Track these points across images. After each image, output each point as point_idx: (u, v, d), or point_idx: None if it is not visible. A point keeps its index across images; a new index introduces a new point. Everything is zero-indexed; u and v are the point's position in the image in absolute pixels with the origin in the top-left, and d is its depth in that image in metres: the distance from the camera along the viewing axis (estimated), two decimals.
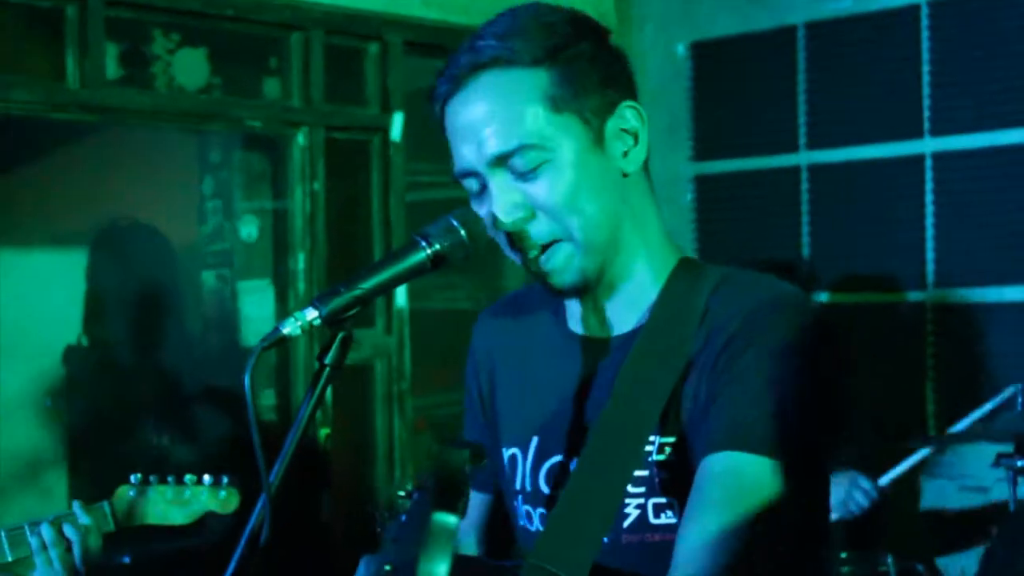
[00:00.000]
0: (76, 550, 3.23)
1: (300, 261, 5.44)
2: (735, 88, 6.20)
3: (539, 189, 2.14)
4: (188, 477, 3.30)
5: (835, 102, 5.88)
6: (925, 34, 5.52)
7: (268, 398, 5.75)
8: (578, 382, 2.26)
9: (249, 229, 5.99)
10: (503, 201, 2.15)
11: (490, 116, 2.14)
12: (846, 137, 5.83)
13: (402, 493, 1.62)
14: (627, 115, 2.19)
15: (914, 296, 5.58)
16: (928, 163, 5.53)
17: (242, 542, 1.94)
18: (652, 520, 2.14)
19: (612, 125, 2.17)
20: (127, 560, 5.63)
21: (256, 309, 5.98)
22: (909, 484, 4.99)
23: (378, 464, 5.74)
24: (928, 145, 5.53)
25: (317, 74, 5.52)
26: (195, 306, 6.41)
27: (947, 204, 5.50)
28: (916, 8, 5.54)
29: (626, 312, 2.24)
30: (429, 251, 2.00)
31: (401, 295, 5.70)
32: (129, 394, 6.39)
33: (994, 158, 5.26)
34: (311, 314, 1.91)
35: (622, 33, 6.44)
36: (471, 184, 2.20)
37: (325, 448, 5.56)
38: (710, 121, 6.30)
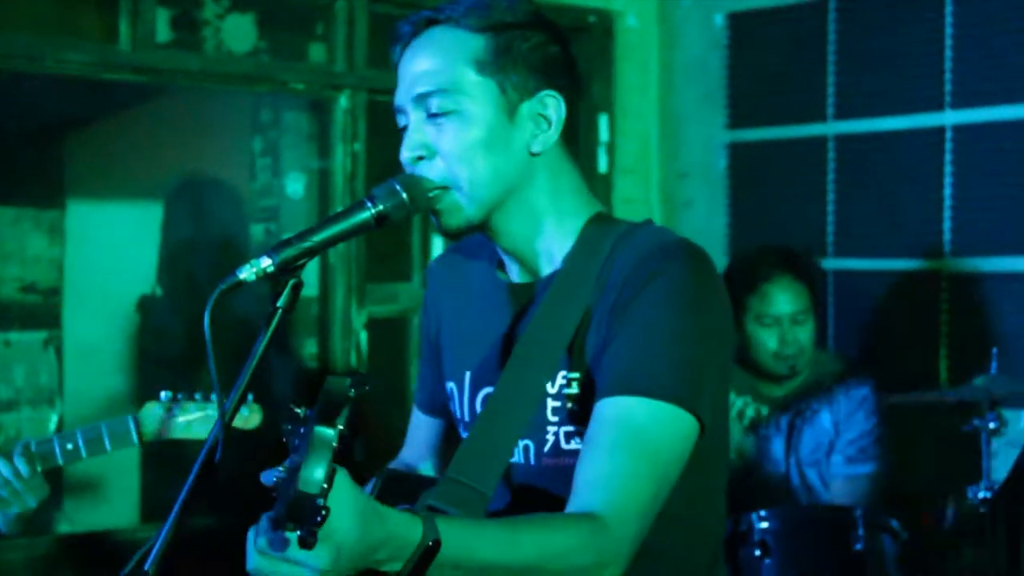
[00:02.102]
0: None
1: None
2: (770, 58, 6.13)
3: (443, 134, 2.30)
4: (214, 395, 3.27)
5: (862, 74, 5.78)
6: (949, 8, 5.44)
7: (310, 347, 5.86)
8: (506, 323, 2.43)
9: (295, 186, 6.08)
10: (412, 138, 2.32)
11: (424, 62, 2.32)
12: (871, 108, 5.74)
13: (300, 411, 1.81)
14: (547, 103, 2.35)
15: (930, 264, 5.54)
16: (948, 135, 5.47)
17: (198, 461, 2.02)
18: (564, 446, 2.32)
19: (528, 107, 2.34)
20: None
21: None
22: None
23: (409, 411, 5.66)
24: (949, 118, 5.47)
25: (360, 40, 5.54)
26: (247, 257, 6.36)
27: (965, 176, 5.45)
28: None
29: (545, 262, 2.40)
30: (373, 211, 2.16)
31: (438, 250, 5.74)
32: (199, 343, 6.57)
33: (1013, 131, 5.22)
34: (265, 262, 2.06)
35: (662, 2, 6.40)
36: (400, 120, 2.37)
37: (360, 396, 5.46)
38: (745, 90, 6.24)
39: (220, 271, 5.99)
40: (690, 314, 2.24)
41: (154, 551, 1.96)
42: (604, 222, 2.42)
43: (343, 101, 5.57)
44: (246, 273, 2.05)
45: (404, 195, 2.19)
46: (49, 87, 5.55)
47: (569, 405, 2.32)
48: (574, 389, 2.31)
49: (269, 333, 2.09)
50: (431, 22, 2.36)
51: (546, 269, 2.42)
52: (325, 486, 1.75)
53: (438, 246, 5.75)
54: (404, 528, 1.92)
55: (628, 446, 2.16)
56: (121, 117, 6.54)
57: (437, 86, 2.30)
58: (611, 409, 2.20)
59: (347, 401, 1.81)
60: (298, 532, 1.76)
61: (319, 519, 1.75)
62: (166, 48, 5.20)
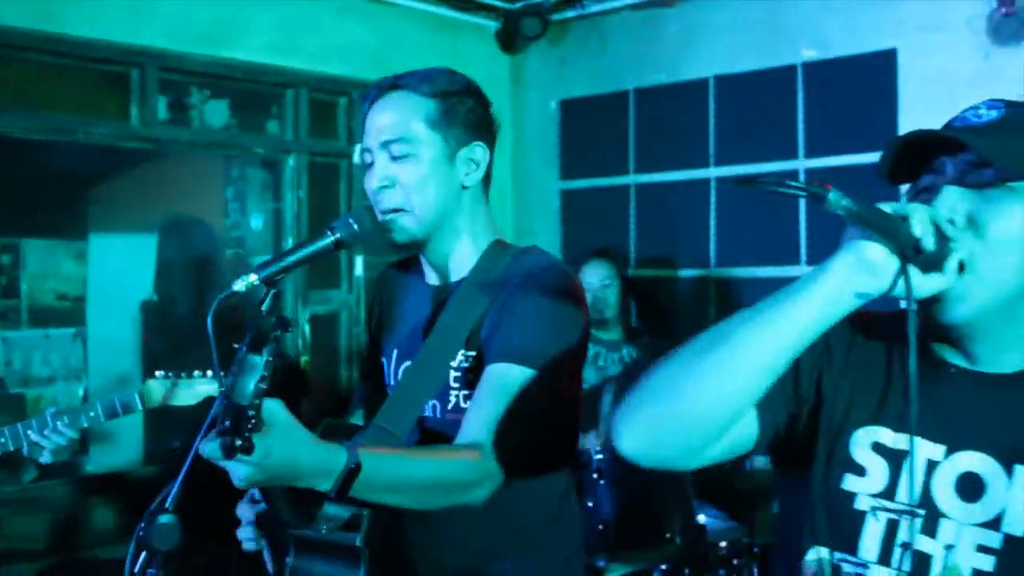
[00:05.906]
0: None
1: (290, 244, 5.46)
2: (590, 131, 6.29)
3: (403, 171, 2.29)
4: (196, 373, 3.36)
5: (654, 142, 6.03)
6: (712, 96, 5.76)
7: None
8: (425, 314, 2.42)
9: (256, 222, 6.13)
10: (379, 172, 2.30)
11: (388, 116, 2.31)
12: (661, 165, 5.99)
13: (236, 346, 1.74)
14: (476, 151, 2.36)
15: (701, 272, 5.80)
16: (712, 184, 5.78)
17: (203, 427, 1.91)
18: (462, 405, 2.30)
19: (464, 153, 2.35)
20: (176, 445, 5.75)
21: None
22: None
23: (341, 380, 5.91)
24: (712, 172, 5.79)
25: (304, 118, 5.68)
26: (221, 275, 6.42)
27: (725, 212, 5.74)
28: (706, 81, 5.82)
29: (456, 271, 2.39)
30: (332, 238, 2.06)
31: (359, 265, 5.88)
32: (186, 336, 6.53)
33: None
34: (252, 277, 1.96)
35: (515, 93, 6.60)
36: (366, 157, 2.32)
37: (304, 369, 5.71)
38: (572, 152, 6.40)
39: (201, 282, 6.11)
40: (552, 308, 2.24)
41: (172, 494, 1.91)
42: (502, 245, 2.41)
43: (291, 161, 5.68)
44: (239, 285, 1.94)
45: (356, 226, 2.08)
46: (76, 152, 5.63)
47: (467, 375, 2.28)
48: (469, 363, 2.28)
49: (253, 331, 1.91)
50: (394, 87, 2.32)
51: (456, 276, 2.39)
52: (256, 401, 1.66)
53: (359, 264, 5.84)
54: (333, 453, 1.88)
55: (499, 395, 2.17)
56: (130, 174, 6.61)
57: (399, 136, 2.28)
58: (492, 370, 2.20)
59: (270, 339, 1.73)
60: (237, 441, 1.64)
61: (249, 427, 1.65)
62: (164, 124, 5.15)
